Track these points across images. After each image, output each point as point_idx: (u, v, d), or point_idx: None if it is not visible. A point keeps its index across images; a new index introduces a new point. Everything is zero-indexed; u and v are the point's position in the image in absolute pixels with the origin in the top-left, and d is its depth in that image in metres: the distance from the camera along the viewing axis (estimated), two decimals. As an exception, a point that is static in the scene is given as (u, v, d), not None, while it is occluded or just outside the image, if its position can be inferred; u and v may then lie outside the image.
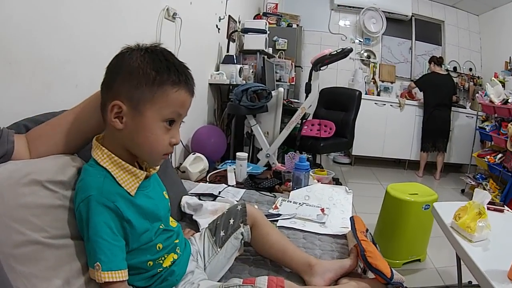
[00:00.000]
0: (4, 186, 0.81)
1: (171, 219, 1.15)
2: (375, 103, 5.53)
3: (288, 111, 3.37)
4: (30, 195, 0.84)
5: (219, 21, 3.52)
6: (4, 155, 0.89)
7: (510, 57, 5.01)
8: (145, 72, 0.88)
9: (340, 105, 4.15)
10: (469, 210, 1.56)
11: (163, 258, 1.04)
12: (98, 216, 0.86)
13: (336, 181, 4.22)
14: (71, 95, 1.40)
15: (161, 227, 1.04)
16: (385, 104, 5.53)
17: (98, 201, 0.87)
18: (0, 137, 0.90)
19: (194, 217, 1.62)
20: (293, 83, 4.88)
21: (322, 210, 1.77)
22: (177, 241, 1.11)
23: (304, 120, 3.56)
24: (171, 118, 0.93)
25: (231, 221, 1.29)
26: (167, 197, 1.14)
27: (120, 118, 0.90)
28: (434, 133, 5.10)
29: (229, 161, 2.72)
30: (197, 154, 2.38)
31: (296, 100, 4.57)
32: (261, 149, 3.05)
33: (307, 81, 3.08)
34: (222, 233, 1.27)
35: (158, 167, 1.09)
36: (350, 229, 1.48)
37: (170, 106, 0.91)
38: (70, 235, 0.91)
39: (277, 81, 4.47)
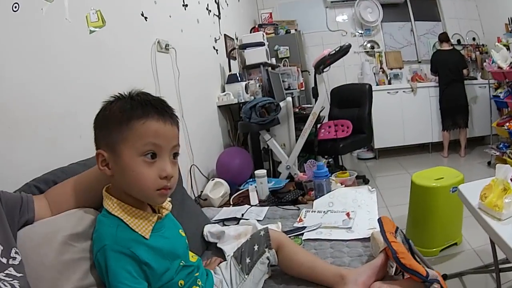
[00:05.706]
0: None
1: (191, 254, 1.15)
2: (388, 92, 5.46)
3: (302, 118, 3.33)
4: (58, 253, 0.89)
5: (215, 42, 3.53)
6: (25, 223, 0.92)
7: (508, 18, 4.89)
8: (113, 116, 0.93)
9: (353, 101, 4.12)
10: (493, 188, 1.50)
11: None
12: (115, 263, 0.88)
13: (362, 178, 4.18)
14: (76, 147, 1.42)
15: (181, 264, 1.04)
16: (397, 92, 5.45)
17: (113, 249, 0.89)
18: (21, 206, 0.92)
19: (218, 244, 1.62)
20: (303, 88, 4.85)
21: (348, 214, 1.73)
22: (197, 274, 1.12)
23: (319, 124, 3.54)
24: (148, 150, 0.92)
25: (256, 247, 1.29)
26: (183, 234, 1.14)
27: (107, 165, 0.94)
28: (452, 110, 5.00)
29: (251, 180, 2.71)
30: (216, 180, 2.38)
31: (309, 105, 4.54)
32: (281, 162, 3.04)
33: (313, 85, 3.06)
34: (248, 260, 1.27)
35: (170, 206, 1.10)
36: (375, 229, 1.45)
37: (141, 139, 0.91)
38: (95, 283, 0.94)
39: (286, 89, 4.44)
